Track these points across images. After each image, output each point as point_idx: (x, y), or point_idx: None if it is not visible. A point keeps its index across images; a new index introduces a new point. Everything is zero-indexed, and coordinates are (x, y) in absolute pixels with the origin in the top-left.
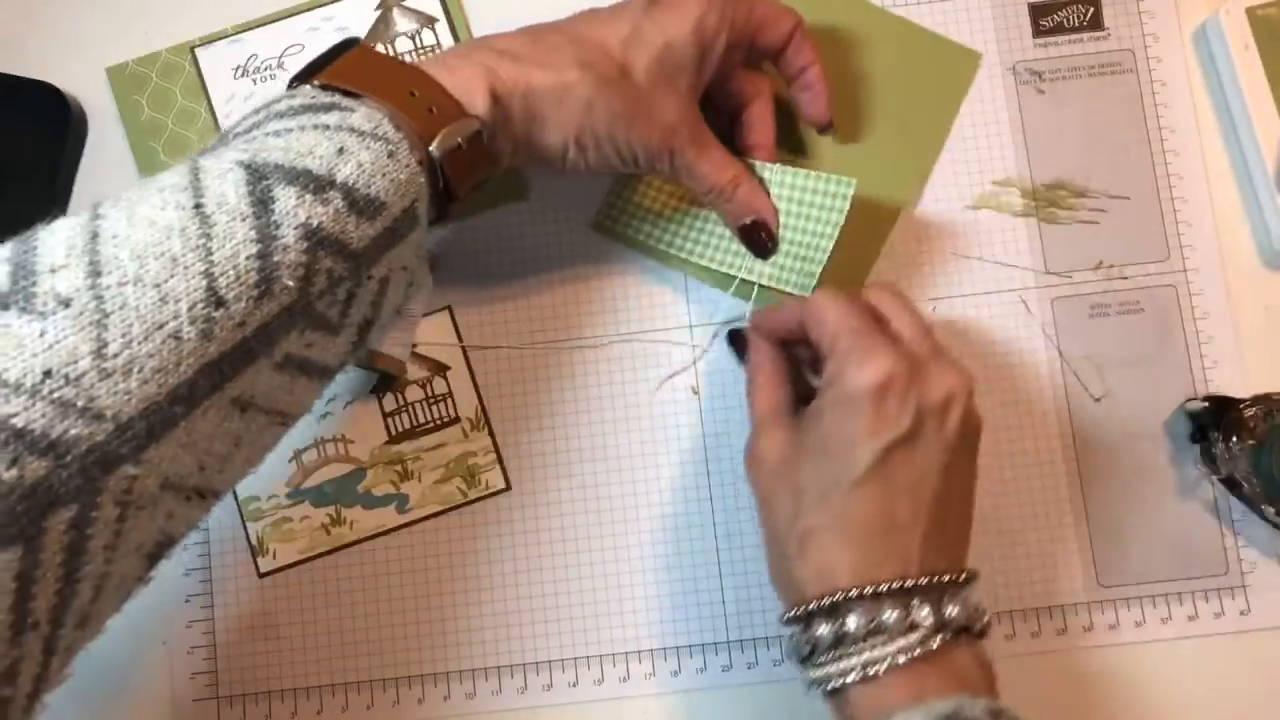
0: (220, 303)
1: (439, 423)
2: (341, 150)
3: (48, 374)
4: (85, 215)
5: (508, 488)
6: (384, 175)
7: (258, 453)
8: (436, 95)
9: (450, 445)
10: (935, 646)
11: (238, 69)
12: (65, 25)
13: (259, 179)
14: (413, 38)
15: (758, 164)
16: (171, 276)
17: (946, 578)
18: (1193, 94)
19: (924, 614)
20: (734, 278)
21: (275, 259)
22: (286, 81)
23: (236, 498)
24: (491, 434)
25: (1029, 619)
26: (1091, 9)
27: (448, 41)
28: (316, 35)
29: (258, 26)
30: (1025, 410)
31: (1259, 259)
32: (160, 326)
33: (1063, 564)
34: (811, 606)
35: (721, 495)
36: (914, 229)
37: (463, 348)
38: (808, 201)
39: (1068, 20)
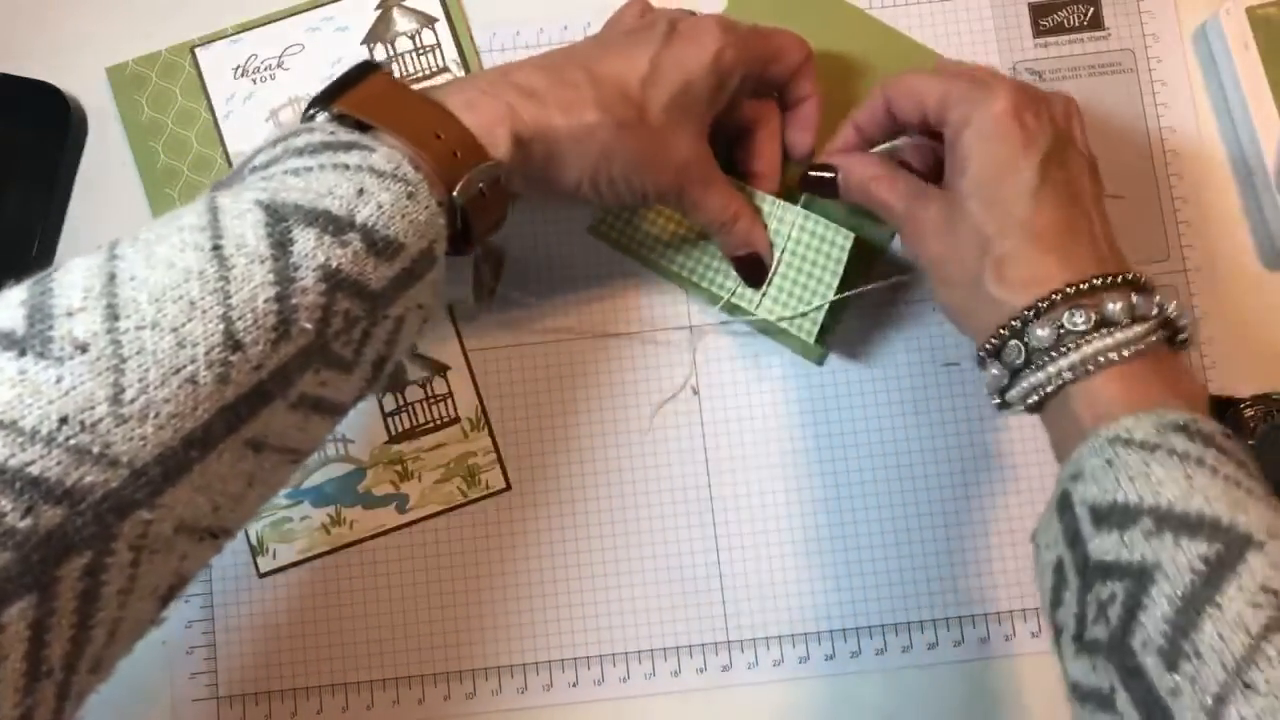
0: (237, 346)
1: (439, 423)
2: (361, 191)
3: (64, 421)
4: (102, 254)
5: (508, 488)
6: (403, 216)
7: (270, 490)
8: (461, 138)
9: (450, 445)
10: (1157, 340)
11: (238, 69)
12: (65, 25)
13: (278, 220)
14: (413, 38)
15: (758, 194)
16: (189, 320)
17: (1144, 277)
18: (1193, 94)
19: (1146, 306)
20: (722, 297)
21: (294, 301)
22: (304, 105)
23: None
24: (491, 434)
25: (1029, 619)
26: (1091, 9)
27: (448, 41)
28: (316, 35)
29: (258, 26)
30: None
31: (1259, 259)
32: (177, 371)
33: None
34: (1028, 312)
35: (721, 495)
36: None
37: (463, 348)
38: (805, 241)
39: (1068, 20)
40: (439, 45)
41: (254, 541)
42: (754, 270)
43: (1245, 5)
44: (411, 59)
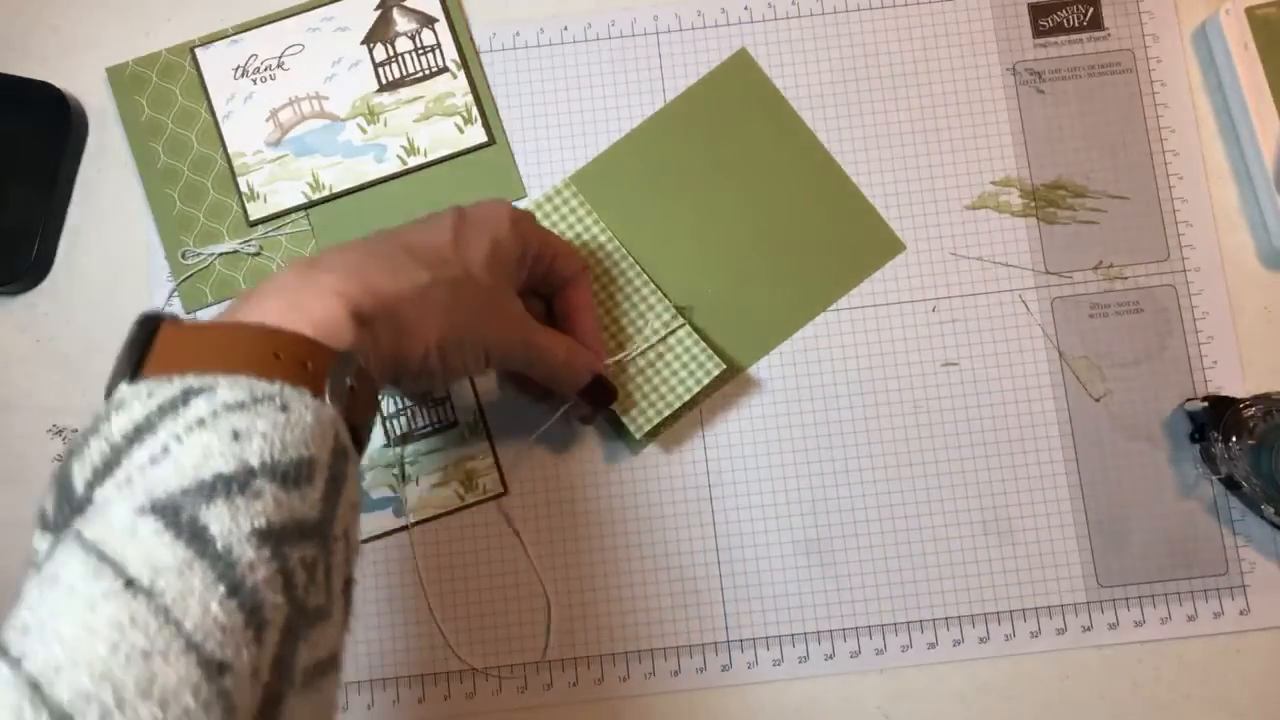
0: (223, 668)
1: (437, 426)
2: (236, 434)
3: None
4: (2, 666)
5: (505, 492)
6: (290, 431)
7: None
8: (303, 348)
9: (448, 449)
10: None
11: (238, 69)
12: (65, 25)
13: (174, 514)
14: (413, 37)
15: (650, 291)
16: (155, 677)
17: None
18: (1193, 94)
19: None
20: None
21: (249, 584)
22: (105, 393)
23: None
24: (490, 438)
25: (1029, 619)
26: (1091, 9)
27: (448, 41)
28: (316, 35)
29: (258, 26)
30: (1025, 410)
31: (1259, 259)
32: None
33: (1063, 564)
34: None
35: (721, 495)
36: (913, 229)
37: None
38: (677, 352)
39: (1068, 20)
40: (439, 45)
41: None
42: (605, 391)
43: (1245, 5)
44: (411, 59)
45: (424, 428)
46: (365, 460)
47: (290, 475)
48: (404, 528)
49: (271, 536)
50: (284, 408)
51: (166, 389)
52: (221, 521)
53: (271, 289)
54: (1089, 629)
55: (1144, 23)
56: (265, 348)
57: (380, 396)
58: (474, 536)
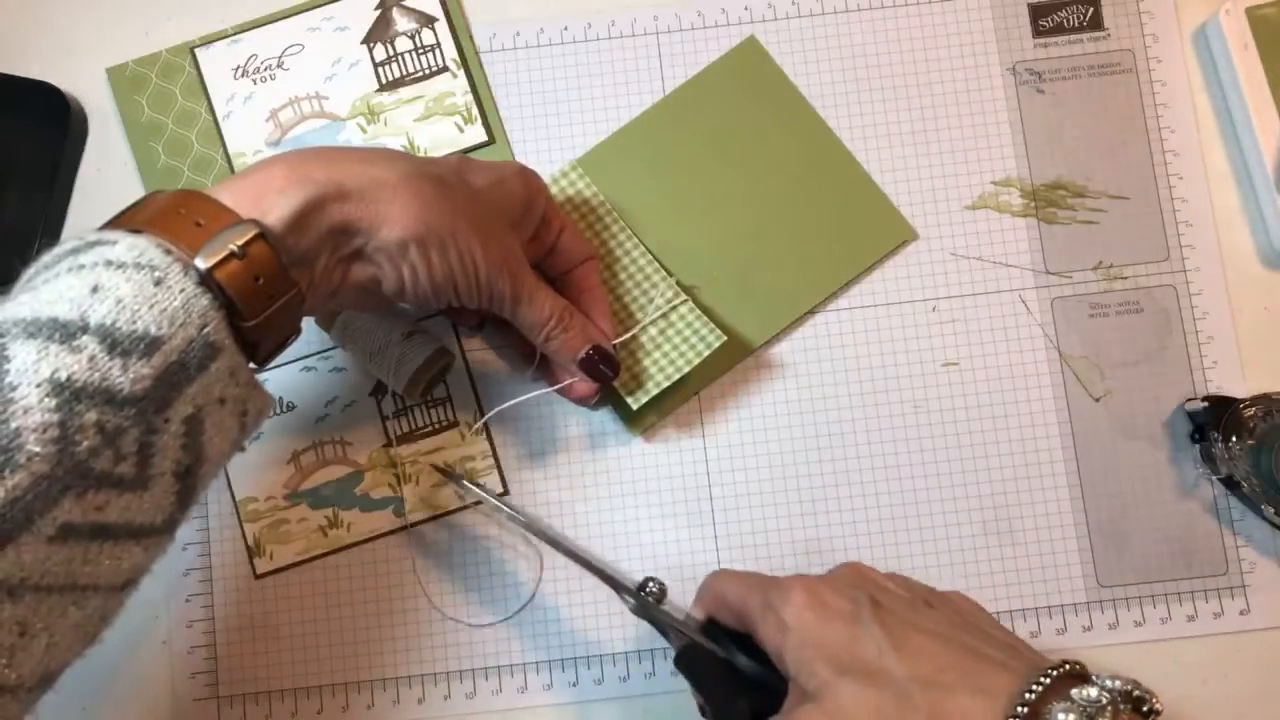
0: None
1: (437, 426)
2: (96, 289)
3: None
4: None
5: (505, 492)
6: (151, 306)
7: (70, 633)
8: (202, 206)
9: (448, 449)
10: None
11: (238, 69)
12: (65, 25)
13: None
14: (412, 37)
15: (654, 270)
16: None
17: (1079, 664)
18: (1193, 94)
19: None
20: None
21: (13, 425)
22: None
23: (234, 499)
24: (490, 438)
25: (1029, 619)
26: (1091, 9)
27: (448, 41)
28: (316, 35)
29: (258, 26)
30: (1025, 410)
31: (1259, 259)
32: None
33: (1063, 564)
34: None
35: (721, 495)
36: (914, 229)
37: (462, 351)
38: (679, 327)
39: (1068, 20)
40: (439, 45)
41: (251, 543)
42: (607, 364)
43: (1245, 5)
44: (411, 59)
45: (424, 428)
46: (365, 460)
47: (122, 344)
48: (404, 528)
49: (66, 389)
50: (158, 282)
51: (90, 237)
52: (24, 358)
53: (252, 167)
54: (1089, 629)
55: (1144, 23)
56: (177, 204)
57: (322, 288)
58: (474, 536)
